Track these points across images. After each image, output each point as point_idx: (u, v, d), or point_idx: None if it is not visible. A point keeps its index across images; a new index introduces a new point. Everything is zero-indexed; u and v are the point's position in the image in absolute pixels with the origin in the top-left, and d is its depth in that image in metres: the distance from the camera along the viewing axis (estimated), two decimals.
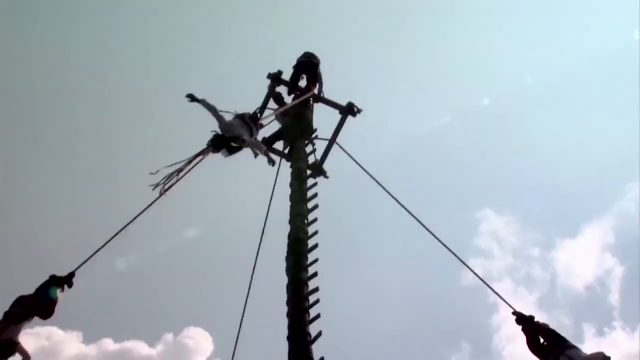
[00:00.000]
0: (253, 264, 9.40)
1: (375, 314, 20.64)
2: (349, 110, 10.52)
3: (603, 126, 25.46)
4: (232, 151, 8.65)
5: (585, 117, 26.04)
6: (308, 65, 10.80)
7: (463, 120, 22.80)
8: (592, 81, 26.34)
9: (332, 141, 10.46)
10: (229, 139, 8.47)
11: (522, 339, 7.86)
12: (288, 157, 10.25)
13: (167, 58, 27.12)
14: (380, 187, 9.50)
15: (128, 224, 8.62)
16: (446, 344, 21.44)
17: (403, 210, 9.19)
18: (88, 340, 23.39)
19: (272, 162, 9.31)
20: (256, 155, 9.24)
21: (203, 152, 8.48)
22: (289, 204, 9.04)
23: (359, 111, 10.51)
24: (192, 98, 8.52)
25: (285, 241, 8.40)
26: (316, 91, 10.84)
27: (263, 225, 9.59)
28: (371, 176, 9.65)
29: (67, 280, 8.27)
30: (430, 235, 8.85)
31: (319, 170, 10.35)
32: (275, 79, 11.02)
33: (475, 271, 8.67)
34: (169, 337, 23.69)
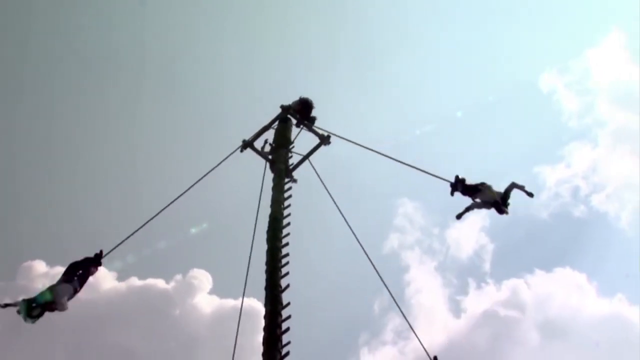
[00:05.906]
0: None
1: (325, 272, 27.66)
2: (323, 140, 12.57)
3: (493, 147, 33.63)
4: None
5: (479, 139, 34.00)
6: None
7: (400, 136, 28.39)
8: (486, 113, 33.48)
9: (305, 158, 12.48)
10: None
11: (426, 291, 11.77)
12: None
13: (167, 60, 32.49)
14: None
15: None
16: (372, 290, 27.51)
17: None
18: (120, 278, 29.32)
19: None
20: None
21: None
22: (271, 193, 11.19)
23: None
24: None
25: (267, 219, 10.67)
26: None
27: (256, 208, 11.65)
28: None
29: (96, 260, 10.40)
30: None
31: (287, 174, 12.02)
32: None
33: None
34: (179, 276, 29.90)
